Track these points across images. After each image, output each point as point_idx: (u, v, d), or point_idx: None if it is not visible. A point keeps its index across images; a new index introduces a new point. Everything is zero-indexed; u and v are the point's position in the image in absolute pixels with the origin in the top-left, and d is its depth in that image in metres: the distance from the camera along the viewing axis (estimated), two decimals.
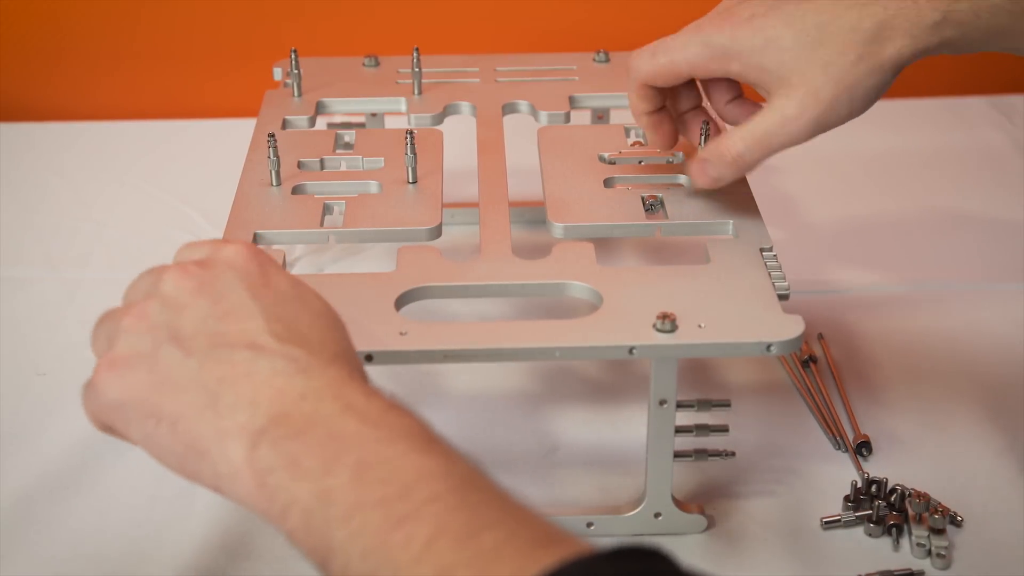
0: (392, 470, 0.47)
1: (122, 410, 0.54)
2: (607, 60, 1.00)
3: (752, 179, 0.82)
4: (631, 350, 0.65)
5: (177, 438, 0.52)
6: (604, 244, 0.92)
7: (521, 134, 0.93)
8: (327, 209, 0.78)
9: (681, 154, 0.84)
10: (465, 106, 0.93)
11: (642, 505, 0.73)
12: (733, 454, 0.76)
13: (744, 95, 0.76)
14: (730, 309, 0.68)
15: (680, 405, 0.71)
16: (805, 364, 0.87)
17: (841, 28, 0.67)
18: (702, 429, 0.75)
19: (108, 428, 0.56)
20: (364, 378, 0.54)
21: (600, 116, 0.99)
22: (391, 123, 0.98)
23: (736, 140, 0.72)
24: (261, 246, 0.75)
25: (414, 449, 0.48)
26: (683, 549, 0.72)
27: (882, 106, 1.26)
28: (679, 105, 0.78)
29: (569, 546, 0.45)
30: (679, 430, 0.72)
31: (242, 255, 0.56)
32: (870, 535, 0.73)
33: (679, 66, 0.72)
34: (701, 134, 0.77)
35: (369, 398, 0.51)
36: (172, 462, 0.53)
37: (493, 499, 0.47)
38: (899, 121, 1.23)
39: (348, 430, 0.49)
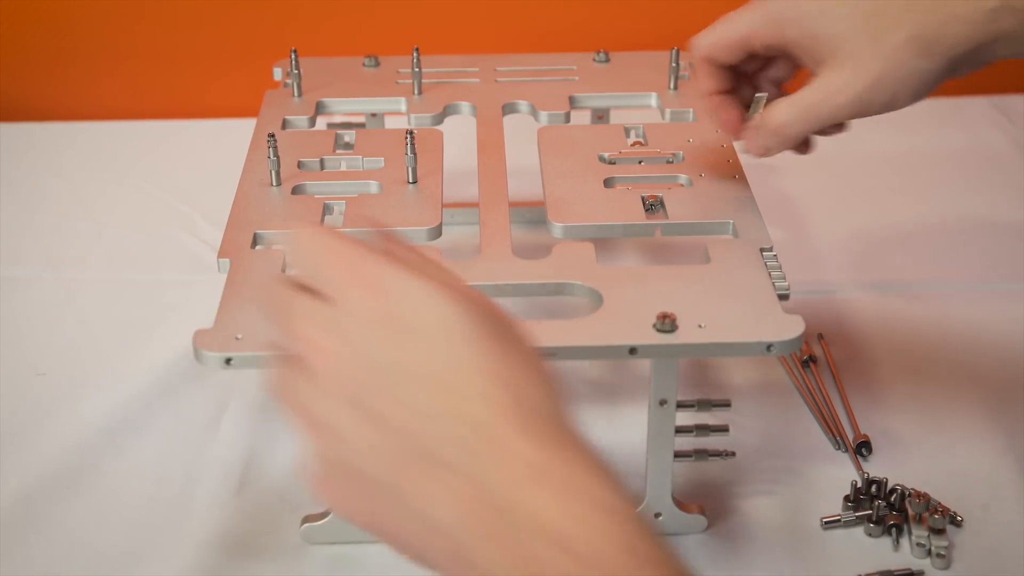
0: None
1: (351, 519, 0.51)
2: (607, 60, 0.99)
3: (752, 179, 0.82)
4: (631, 350, 0.65)
5: (412, 554, 0.50)
6: (604, 244, 0.92)
7: (521, 134, 0.93)
8: (327, 209, 0.78)
9: (681, 153, 0.84)
10: (465, 106, 0.93)
11: (642, 505, 0.73)
12: (733, 454, 0.76)
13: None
14: (730, 309, 0.68)
15: (680, 405, 0.71)
16: (805, 364, 0.87)
17: (896, 5, 0.66)
18: (702, 429, 0.75)
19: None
20: (583, 447, 0.47)
21: (600, 116, 0.99)
22: (391, 123, 0.98)
23: (782, 110, 0.71)
24: (262, 247, 0.75)
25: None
26: (683, 549, 0.72)
27: None
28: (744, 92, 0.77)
29: None
30: (679, 430, 0.72)
31: (432, 292, 0.49)
32: (870, 535, 0.73)
33: (738, 32, 0.72)
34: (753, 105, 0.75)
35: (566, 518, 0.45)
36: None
37: None
38: (899, 121, 1.22)
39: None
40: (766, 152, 0.74)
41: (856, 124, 1.22)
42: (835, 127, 0.73)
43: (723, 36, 0.73)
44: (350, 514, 0.50)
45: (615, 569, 0.43)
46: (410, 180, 0.81)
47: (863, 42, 0.67)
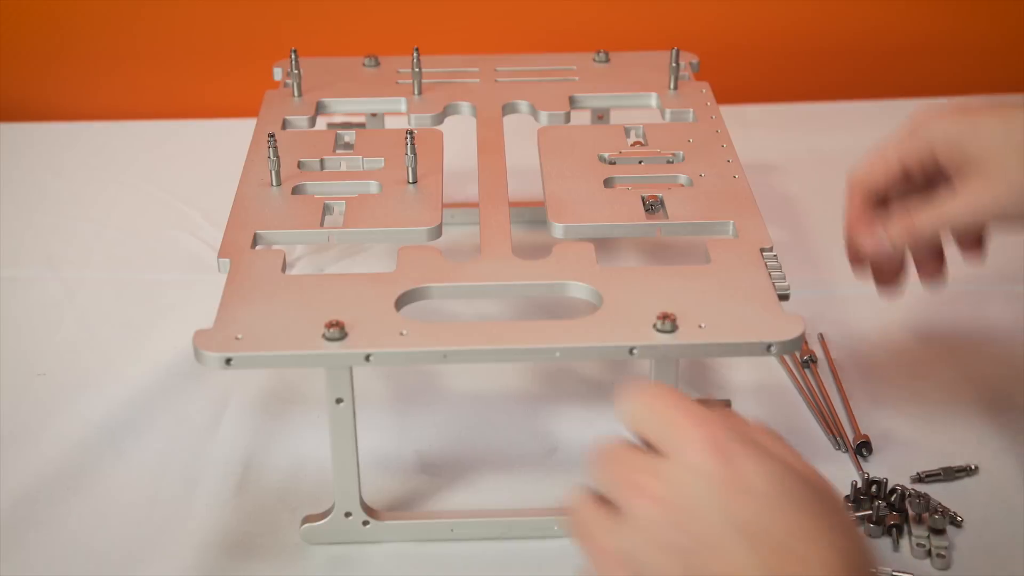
0: None
1: None
2: (607, 60, 1.00)
3: (752, 179, 0.82)
4: (631, 350, 0.65)
5: None
6: (604, 244, 0.92)
7: (521, 134, 0.93)
8: (327, 209, 0.78)
9: (682, 153, 0.84)
10: (465, 106, 0.93)
11: None
12: None
13: None
14: (730, 309, 0.68)
15: None
16: (805, 364, 0.87)
17: None
18: None
19: None
20: None
21: (600, 116, 0.99)
22: (391, 123, 0.99)
23: (925, 220, 0.72)
24: (262, 247, 0.75)
25: None
26: None
27: (883, 106, 1.28)
28: None
29: None
30: None
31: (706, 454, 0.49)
32: (870, 535, 0.73)
33: (898, 162, 0.74)
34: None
35: None
36: None
37: None
38: (899, 121, 1.23)
39: None
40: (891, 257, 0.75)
41: (857, 124, 1.22)
42: (973, 248, 0.75)
43: (884, 168, 0.75)
44: None
45: None
46: (410, 180, 0.81)
47: (1012, 159, 0.68)
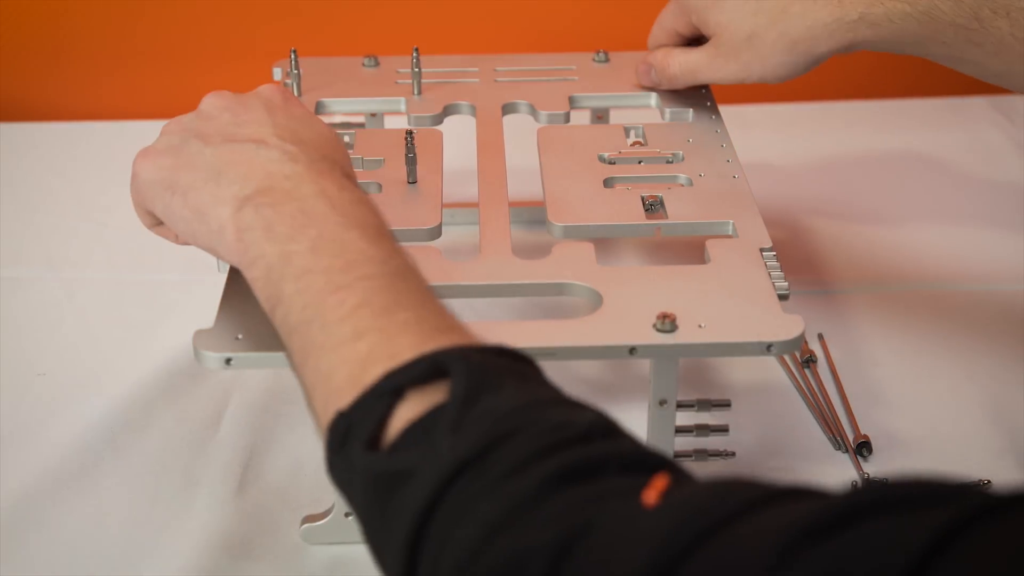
0: (342, 249, 0.58)
1: (150, 187, 0.66)
2: (607, 60, 1.00)
3: (752, 179, 0.82)
4: (631, 350, 0.65)
5: (187, 205, 0.64)
6: (604, 244, 0.92)
7: (521, 134, 0.93)
8: None
9: (681, 153, 0.84)
10: (465, 106, 0.93)
11: None
12: (733, 454, 0.76)
13: None
14: (730, 309, 0.68)
15: (680, 405, 0.71)
16: (805, 364, 0.87)
17: (774, 7, 0.81)
18: (702, 429, 0.75)
19: (148, 213, 0.69)
20: (346, 177, 0.64)
21: (600, 116, 0.99)
22: (391, 123, 0.98)
23: (675, 63, 0.89)
24: None
25: (364, 237, 0.59)
26: None
27: (883, 106, 1.28)
28: None
29: (463, 336, 0.55)
30: (679, 430, 0.72)
31: (270, 89, 0.70)
32: None
33: (669, 27, 0.90)
34: None
35: (342, 190, 0.62)
36: (183, 227, 0.65)
37: (415, 290, 0.57)
38: (899, 121, 1.23)
39: (317, 210, 0.60)
40: (654, 87, 0.93)
41: (857, 124, 1.22)
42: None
43: (657, 31, 0.92)
44: (154, 177, 0.66)
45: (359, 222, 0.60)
46: (410, 180, 0.81)
47: (741, 33, 0.82)
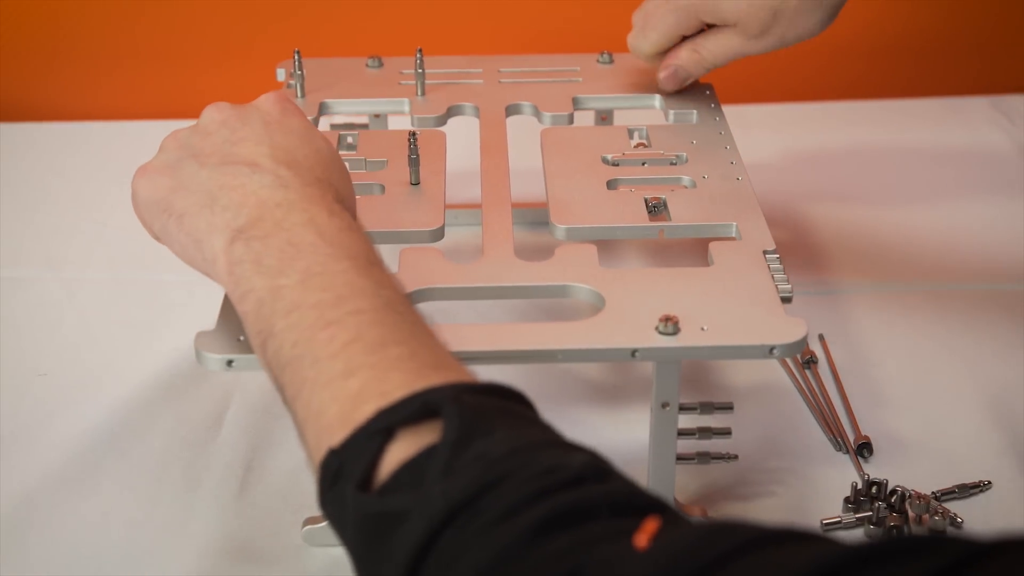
0: (331, 282, 0.57)
1: (148, 207, 0.67)
2: (611, 61, 1.00)
3: (755, 180, 0.82)
4: (633, 353, 0.65)
5: (182, 230, 0.64)
6: (607, 246, 0.92)
7: (524, 135, 0.93)
8: None
9: (685, 155, 0.84)
10: (468, 107, 0.93)
11: None
12: (736, 457, 0.76)
13: None
14: (733, 311, 0.68)
15: (683, 408, 0.71)
16: (806, 365, 0.87)
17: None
18: (704, 432, 0.75)
19: (148, 227, 0.69)
20: (337, 203, 0.63)
21: (603, 117, 0.99)
22: (394, 124, 0.98)
23: (707, 53, 0.90)
24: None
25: (354, 268, 0.58)
26: None
27: (883, 106, 1.28)
28: None
29: (455, 372, 0.54)
30: (681, 433, 0.72)
31: (269, 101, 0.69)
32: (870, 537, 0.73)
33: (673, 31, 0.90)
34: None
35: (332, 216, 0.61)
36: (179, 250, 0.65)
37: (406, 322, 0.57)
38: (899, 121, 1.23)
39: (305, 241, 0.59)
40: (685, 83, 0.93)
41: (857, 124, 1.22)
42: None
43: (662, 40, 0.90)
44: (151, 197, 0.66)
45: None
46: (413, 181, 0.81)
47: (765, 14, 0.85)
